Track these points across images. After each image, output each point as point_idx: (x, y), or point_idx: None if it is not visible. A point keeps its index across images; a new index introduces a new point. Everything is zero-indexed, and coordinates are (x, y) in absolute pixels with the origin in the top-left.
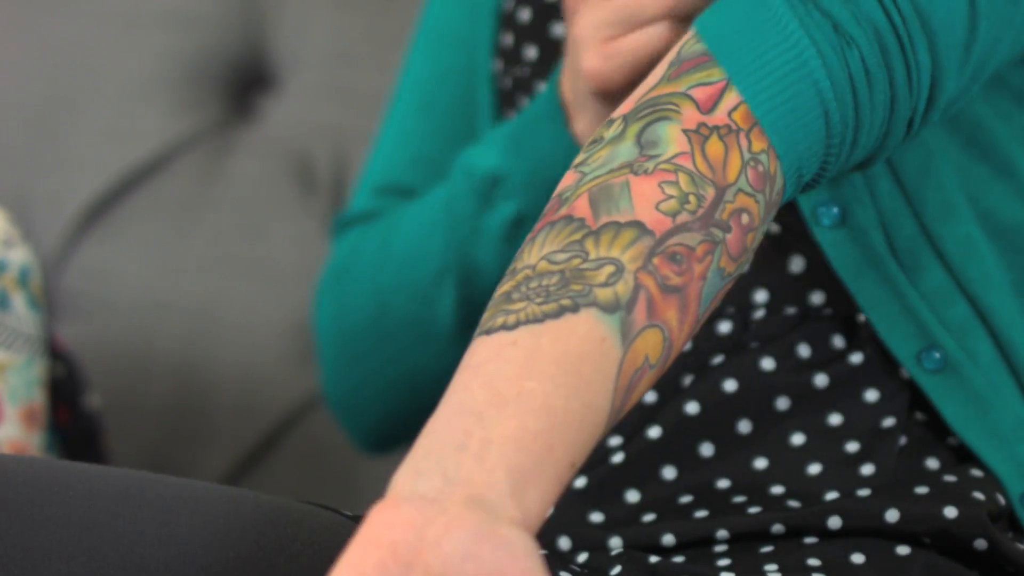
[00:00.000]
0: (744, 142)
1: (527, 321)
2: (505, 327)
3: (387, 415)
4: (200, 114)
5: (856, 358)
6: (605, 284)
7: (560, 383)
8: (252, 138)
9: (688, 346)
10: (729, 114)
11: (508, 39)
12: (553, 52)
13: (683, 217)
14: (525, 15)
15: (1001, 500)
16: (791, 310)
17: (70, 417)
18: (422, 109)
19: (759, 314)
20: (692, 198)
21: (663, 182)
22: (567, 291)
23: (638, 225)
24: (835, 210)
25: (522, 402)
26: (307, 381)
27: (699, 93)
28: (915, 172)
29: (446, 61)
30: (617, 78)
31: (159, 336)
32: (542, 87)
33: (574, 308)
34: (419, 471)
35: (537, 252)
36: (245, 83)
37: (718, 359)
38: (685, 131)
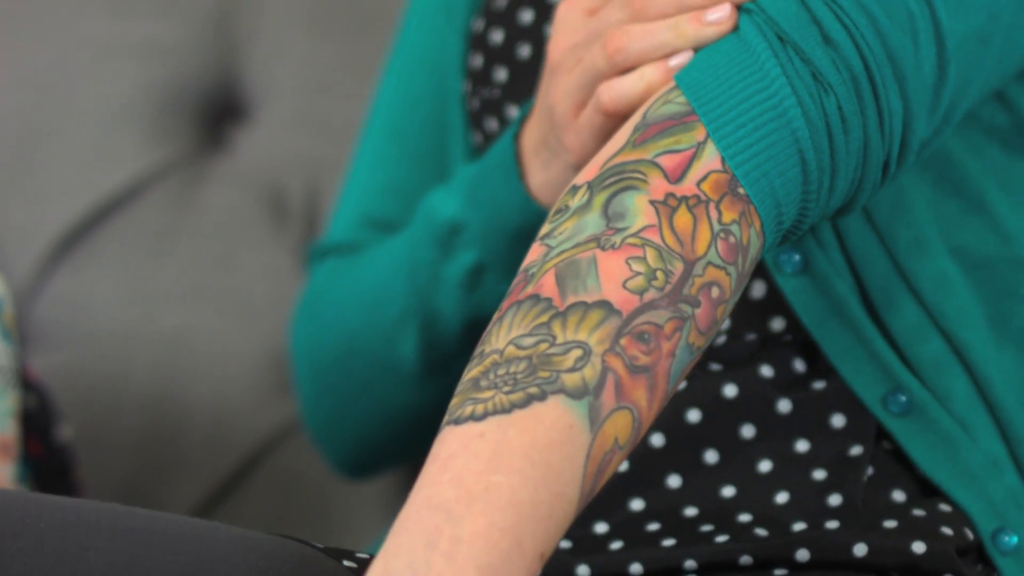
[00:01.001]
0: (714, 213)
1: (495, 412)
2: (473, 417)
3: (362, 444)
4: (173, 144)
5: (819, 384)
6: (572, 369)
7: (528, 475)
8: (225, 168)
9: None
10: (698, 184)
11: (477, 60)
12: (523, 74)
13: (651, 295)
14: (497, 37)
15: (969, 535)
16: (751, 336)
17: (42, 449)
18: (393, 136)
19: (720, 340)
20: (660, 274)
21: (630, 258)
22: (534, 378)
23: (605, 305)
24: (796, 257)
25: (490, 497)
26: (279, 412)
27: (667, 161)
28: (887, 210)
29: (416, 86)
30: (592, 151)
31: (131, 367)
32: (512, 110)
33: (541, 396)
34: (389, 571)
35: (504, 335)
36: (218, 113)
37: (680, 386)
38: (653, 202)
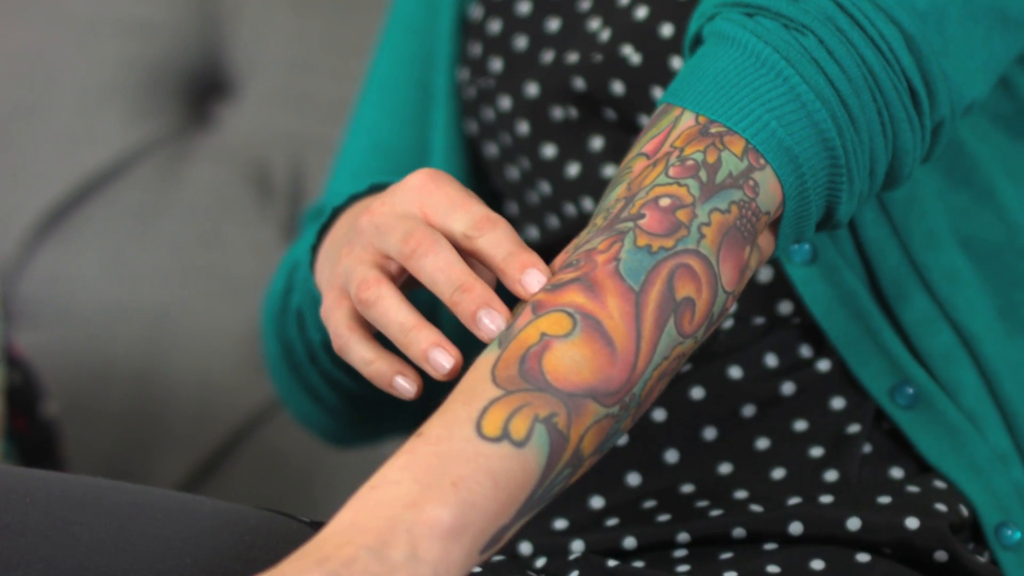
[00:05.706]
0: (675, 155)
1: None
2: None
3: (323, 421)
4: (157, 121)
5: (823, 365)
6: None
7: None
8: (209, 145)
9: None
10: (672, 144)
11: (476, 49)
12: (517, 65)
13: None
14: (495, 27)
15: (964, 512)
16: (759, 320)
17: (27, 425)
18: (382, 97)
19: (727, 324)
20: (600, 220)
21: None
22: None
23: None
24: (806, 247)
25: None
26: (264, 388)
27: (650, 147)
28: (901, 201)
29: (404, 49)
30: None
31: (116, 343)
32: (505, 101)
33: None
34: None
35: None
36: (202, 90)
37: (686, 368)
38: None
